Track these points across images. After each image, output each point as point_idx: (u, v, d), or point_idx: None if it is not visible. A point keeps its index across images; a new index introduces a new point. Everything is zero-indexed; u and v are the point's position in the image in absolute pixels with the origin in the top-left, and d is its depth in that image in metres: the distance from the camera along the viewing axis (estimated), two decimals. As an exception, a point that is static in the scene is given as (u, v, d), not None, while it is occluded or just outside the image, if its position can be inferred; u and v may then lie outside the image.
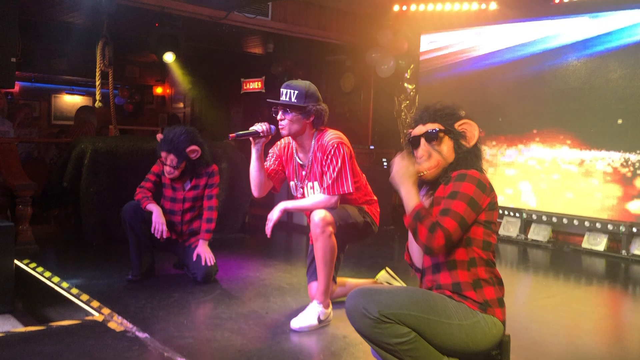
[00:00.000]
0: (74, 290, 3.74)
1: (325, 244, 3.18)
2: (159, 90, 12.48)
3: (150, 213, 3.96)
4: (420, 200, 2.28)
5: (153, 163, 4.20)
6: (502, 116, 6.86)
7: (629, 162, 5.83)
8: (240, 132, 3.27)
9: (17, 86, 10.75)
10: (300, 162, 3.44)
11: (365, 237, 3.55)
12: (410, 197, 2.25)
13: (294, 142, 3.44)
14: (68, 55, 10.04)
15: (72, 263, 4.75)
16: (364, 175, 3.55)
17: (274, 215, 3.28)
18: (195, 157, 4.02)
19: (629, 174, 5.84)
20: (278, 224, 3.31)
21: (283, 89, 3.31)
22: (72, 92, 12.14)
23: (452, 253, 2.25)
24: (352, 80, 8.62)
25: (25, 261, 4.47)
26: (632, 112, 5.84)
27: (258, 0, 6.75)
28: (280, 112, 3.29)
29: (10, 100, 9.15)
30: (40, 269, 4.27)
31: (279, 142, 3.57)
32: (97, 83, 6.18)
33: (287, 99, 3.27)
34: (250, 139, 3.28)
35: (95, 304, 3.48)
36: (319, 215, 3.16)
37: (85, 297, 3.61)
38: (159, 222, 3.93)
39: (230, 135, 3.25)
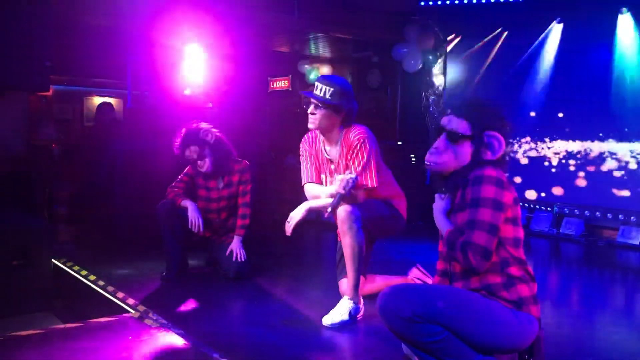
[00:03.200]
0: (110, 288, 3.82)
1: (353, 240, 3.17)
2: (187, 91, 12.60)
3: (186, 209, 4.03)
4: (450, 225, 2.30)
5: (184, 163, 4.27)
6: (533, 109, 6.78)
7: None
8: (331, 205, 3.08)
9: (51, 89, 10.97)
10: (328, 156, 3.44)
11: (394, 230, 3.54)
12: (442, 226, 2.32)
13: (321, 136, 3.45)
14: (99, 57, 10.21)
15: (107, 261, 4.84)
16: (389, 170, 3.55)
17: (298, 214, 3.28)
18: (210, 138, 4.07)
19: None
20: (306, 222, 3.32)
21: (318, 83, 3.28)
22: (103, 94, 12.35)
23: None
24: (378, 76, 8.60)
25: (63, 260, 4.58)
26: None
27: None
28: (312, 107, 3.27)
29: (44, 103, 9.36)
30: (77, 268, 4.37)
31: (305, 137, 3.56)
32: (129, 85, 6.29)
33: (322, 95, 3.24)
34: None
35: (131, 301, 3.55)
36: (345, 211, 3.15)
37: (121, 294, 3.69)
38: (195, 216, 4.00)
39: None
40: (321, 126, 3.31)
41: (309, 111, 3.29)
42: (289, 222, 3.28)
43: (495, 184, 2.18)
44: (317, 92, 3.26)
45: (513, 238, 2.24)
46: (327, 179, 3.48)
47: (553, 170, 6.62)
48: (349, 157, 3.29)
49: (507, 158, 2.34)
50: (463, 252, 2.15)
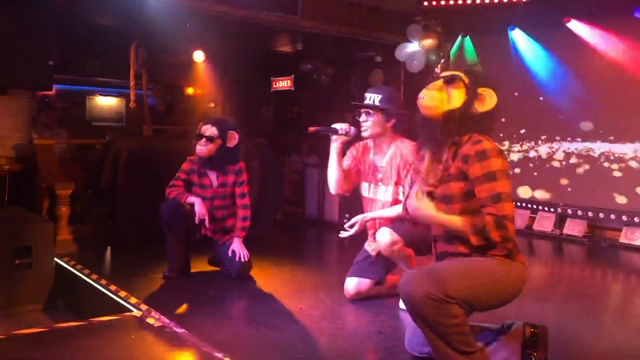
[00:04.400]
0: (113, 287, 3.82)
1: (401, 258, 3.31)
2: (190, 90, 12.62)
3: (192, 205, 4.02)
4: (454, 216, 2.32)
5: (189, 153, 4.25)
6: (534, 108, 6.76)
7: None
8: (321, 127, 3.42)
9: (54, 89, 10.96)
10: (377, 165, 3.53)
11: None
12: (451, 221, 2.30)
13: (372, 145, 3.56)
14: (102, 57, 10.22)
15: (109, 261, 4.85)
16: None
17: (357, 224, 3.40)
18: (231, 144, 4.07)
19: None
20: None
21: (367, 94, 3.47)
22: (105, 94, 12.37)
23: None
24: (381, 77, 8.58)
25: (65, 259, 4.58)
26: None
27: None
28: (363, 114, 3.43)
29: (47, 102, 9.36)
30: (79, 267, 4.37)
31: (357, 144, 3.65)
32: (131, 84, 6.29)
33: (371, 102, 3.42)
34: (330, 135, 3.42)
35: (133, 300, 3.54)
36: (384, 241, 3.27)
37: (123, 293, 3.68)
38: (201, 211, 3.99)
39: (310, 128, 3.39)
40: (373, 133, 3.44)
41: (360, 120, 3.44)
42: (355, 222, 3.41)
43: (500, 155, 2.29)
44: (367, 101, 3.44)
45: None
46: (371, 187, 3.55)
47: (556, 170, 6.60)
48: (401, 171, 3.39)
49: (494, 114, 2.42)
50: (500, 226, 2.21)
